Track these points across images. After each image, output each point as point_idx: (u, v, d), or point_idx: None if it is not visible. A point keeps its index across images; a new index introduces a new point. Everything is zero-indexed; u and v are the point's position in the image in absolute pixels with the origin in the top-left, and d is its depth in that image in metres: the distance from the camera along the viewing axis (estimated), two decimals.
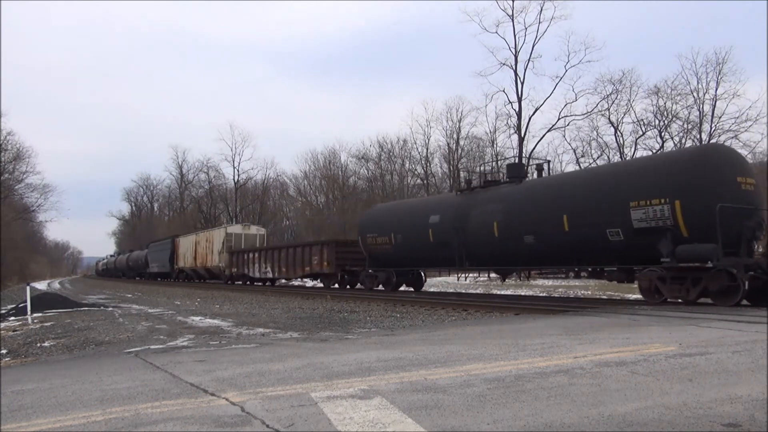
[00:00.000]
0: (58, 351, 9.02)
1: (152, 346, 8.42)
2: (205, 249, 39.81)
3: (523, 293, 20.40)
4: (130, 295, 28.63)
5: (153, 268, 52.70)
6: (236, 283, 34.71)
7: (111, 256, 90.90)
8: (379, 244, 21.22)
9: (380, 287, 22.05)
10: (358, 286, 24.17)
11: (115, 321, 13.34)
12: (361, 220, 23.80)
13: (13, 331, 12.65)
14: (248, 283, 32.95)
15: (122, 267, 69.50)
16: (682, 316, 9.19)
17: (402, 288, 22.96)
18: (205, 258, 39.76)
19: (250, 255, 32.37)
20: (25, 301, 17.04)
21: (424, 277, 23.38)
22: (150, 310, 16.70)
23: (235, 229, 38.60)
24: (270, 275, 30.23)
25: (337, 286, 25.33)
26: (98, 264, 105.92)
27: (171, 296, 25.27)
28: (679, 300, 12.06)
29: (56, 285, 63.29)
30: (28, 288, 18.70)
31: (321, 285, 27.91)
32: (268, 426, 3.48)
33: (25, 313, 15.68)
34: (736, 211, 11.59)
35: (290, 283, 33.26)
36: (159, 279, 52.49)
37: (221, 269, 36.55)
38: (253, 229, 39.09)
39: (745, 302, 11.57)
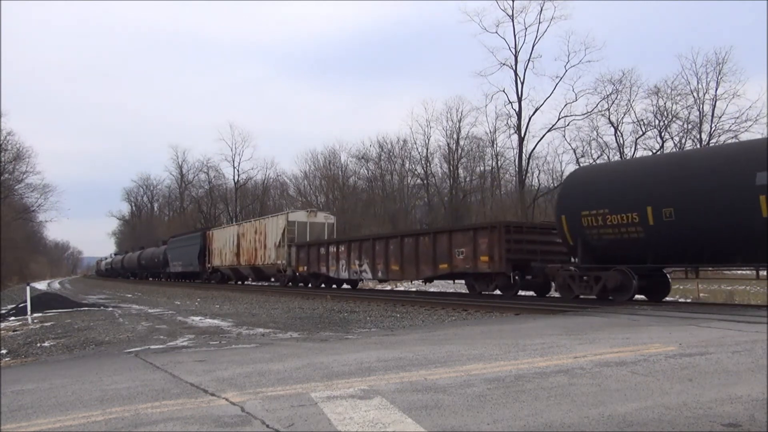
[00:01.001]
0: (58, 351, 9.02)
1: (152, 346, 8.42)
2: (254, 243, 31.53)
3: (523, 293, 20.37)
4: (130, 295, 28.64)
5: (175, 267, 45.48)
6: (307, 285, 26.65)
7: (116, 254, 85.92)
8: (610, 227, 12.89)
9: (589, 296, 13.83)
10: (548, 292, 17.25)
11: (115, 321, 13.34)
12: (564, 191, 15.01)
13: (13, 331, 12.65)
14: (323, 285, 25.13)
15: (132, 266, 62.83)
16: (682, 316, 9.19)
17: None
18: (253, 254, 31.61)
19: (331, 249, 23.98)
20: (25, 301, 17.04)
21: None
22: (150, 310, 16.70)
23: (298, 216, 29.45)
24: (367, 275, 21.84)
25: (497, 292, 17.33)
26: (100, 263, 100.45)
27: (171, 296, 25.28)
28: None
29: (56, 285, 63.29)
30: (28, 288, 18.70)
31: (464, 290, 19.66)
32: (268, 426, 3.48)
33: (25, 313, 15.68)
34: None
35: (396, 287, 26.50)
36: (184, 280, 45.62)
37: (280, 268, 28.51)
38: (320, 217, 29.97)
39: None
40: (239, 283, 36.23)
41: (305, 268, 25.59)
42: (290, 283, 28.33)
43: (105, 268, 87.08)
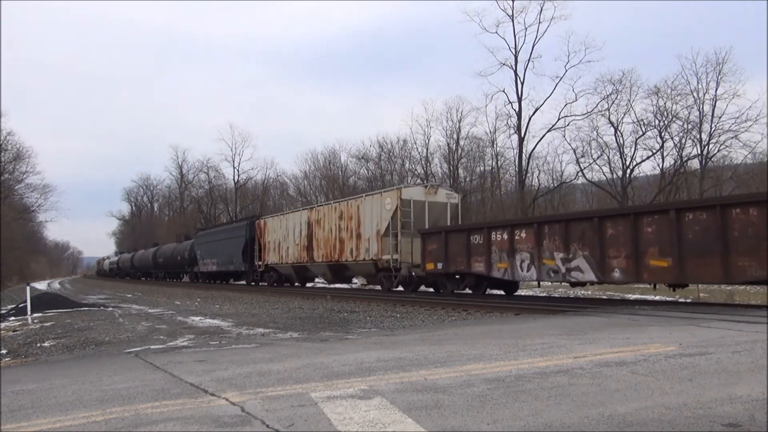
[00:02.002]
0: (58, 351, 9.02)
1: (152, 346, 8.42)
2: (337, 232, 23.34)
3: (523, 293, 20.40)
4: (130, 296, 28.64)
5: (207, 266, 38.05)
6: (438, 291, 19.56)
7: (121, 252, 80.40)
8: None
9: None
10: None
11: (115, 321, 13.34)
12: None
13: (13, 331, 12.65)
14: (467, 290, 17.82)
15: (144, 264, 56.76)
16: (682, 316, 9.19)
17: (400, 288, 20.55)
18: (335, 248, 23.28)
19: (498, 235, 16.06)
20: (25, 301, 17.04)
21: None
22: (150, 310, 16.70)
23: (414, 192, 21.16)
24: (582, 274, 13.62)
25: None
26: (101, 263, 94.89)
27: (171, 296, 25.28)
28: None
29: (56, 285, 63.26)
30: (28, 288, 18.69)
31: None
32: (268, 426, 3.48)
33: (25, 313, 15.68)
34: None
35: (628, 296, 17.80)
36: (219, 282, 38.44)
37: (384, 265, 20.62)
38: (441, 195, 21.71)
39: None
40: (308, 286, 28.64)
41: (441, 265, 17.83)
42: (400, 286, 20.43)
43: (109, 267, 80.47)
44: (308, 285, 29.05)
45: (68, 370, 6.53)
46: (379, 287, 22.48)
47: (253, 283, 31.89)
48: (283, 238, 27.92)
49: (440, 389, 4.28)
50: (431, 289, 20.56)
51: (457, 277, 17.80)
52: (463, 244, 17.11)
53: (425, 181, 30.80)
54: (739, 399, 3.72)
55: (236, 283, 36.63)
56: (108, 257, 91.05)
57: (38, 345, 9.94)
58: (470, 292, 17.66)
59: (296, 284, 28.69)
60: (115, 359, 7.23)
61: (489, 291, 18.21)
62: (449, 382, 4.55)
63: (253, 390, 4.53)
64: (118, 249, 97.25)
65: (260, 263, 30.22)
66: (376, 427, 3.37)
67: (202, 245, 39.21)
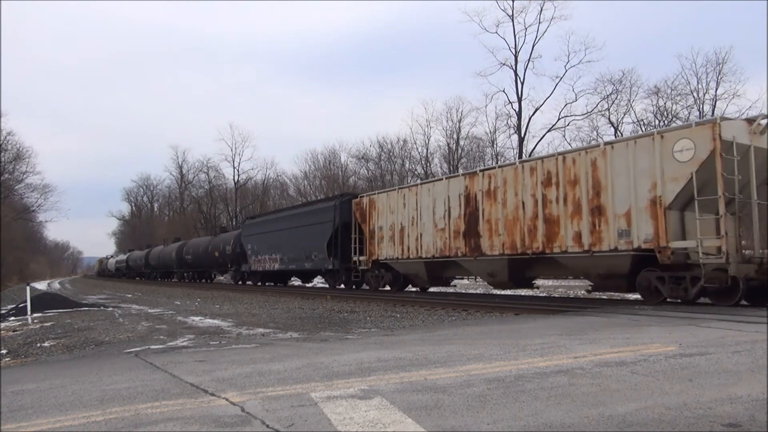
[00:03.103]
0: (58, 351, 9.02)
1: (152, 346, 8.42)
2: (537, 207, 14.82)
3: (523, 293, 20.40)
4: (130, 295, 28.64)
5: (262, 264, 29.68)
6: None
7: (131, 250, 72.01)
8: None
9: None
10: None
11: (115, 321, 13.34)
12: None
13: (13, 331, 12.65)
14: None
15: (164, 263, 49.30)
16: (682, 317, 9.19)
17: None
18: (536, 231, 14.77)
19: None
20: (25, 301, 17.04)
21: None
22: (150, 310, 16.70)
23: (735, 129, 11.54)
24: None
25: None
26: (103, 262, 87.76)
27: (171, 296, 25.28)
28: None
29: (56, 285, 63.26)
30: (28, 288, 18.70)
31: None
32: (268, 426, 3.48)
33: (25, 313, 15.68)
34: None
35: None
36: (280, 285, 30.73)
37: (681, 259, 11.83)
38: None
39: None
40: (449, 291, 21.57)
41: None
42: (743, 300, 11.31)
43: (116, 266, 72.14)
44: (448, 291, 21.80)
45: (68, 370, 6.53)
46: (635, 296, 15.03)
47: (341, 286, 24.28)
48: (408, 221, 19.52)
49: (440, 389, 4.28)
50: None
51: None
52: None
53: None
54: (739, 399, 3.72)
55: (315, 285, 30.00)
56: (113, 255, 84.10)
57: (38, 345, 9.94)
58: None
59: (428, 288, 20.98)
60: (115, 359, 7.23)
61: None
62: (449, 382, 4.55)
63: (253, 390, 4.53)
64: (118, 249, 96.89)
65: (362, 258, 21.83)
66: (376, 427, 3.37)
67: (254, 237, 30.39)
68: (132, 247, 79.06)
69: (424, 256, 18.79)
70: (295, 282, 32.80)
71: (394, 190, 20.86)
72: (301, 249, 25.76)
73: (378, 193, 21.82)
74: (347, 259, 22.68)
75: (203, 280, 43.23)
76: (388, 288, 21.25)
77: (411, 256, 19.35)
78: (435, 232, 18.37)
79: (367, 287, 22.12)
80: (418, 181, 22.39)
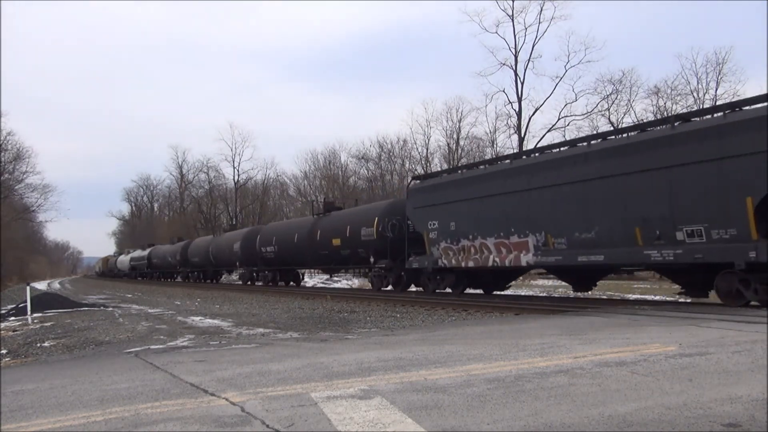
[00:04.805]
0: (58, 351, 9.02)
1: (152, 346, 8.42)
2: None
3: (523, 293, 20.40)
4: (130, 295, 28.64)
5: (465, 256, 16.25)
6: None
7: (151, 245, 60.06)
8: None
9: None
10: None
11: (115, 321, 13.34)
12: None
13: (13, 331, 12.65)
14: None
15: (218, 258, 36.37)
16: (682, 316, 9.19)
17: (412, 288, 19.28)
18: None
19: None
20: (25, 301, 17.04)
21: None
22: (150, 310, 16.70)
23: None
24: None
25: None
26: (110, 261, 79.27)
27: (171, 296, 25.28)
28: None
29: (56, 285, 63.28)
30: (28, 288, 18.71)
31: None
32: (268, 426, 3.48)
33: (25, 313, 15.69)
34: None
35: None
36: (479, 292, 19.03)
37: None
38: None
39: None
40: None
41: None
42: None
43: (131, 264, 61.15)
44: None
45: (68, 370, 6.53)
46: None
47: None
48: None
49: (440, 389, 4.28)
50: None
51: None
52: None
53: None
54: (739, 399, 3.72)
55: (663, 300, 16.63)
56: (123, 252, 71.75)
57: (38, 345, 9.94)
58: None
59: None
60: (115, 359, 7.23)
61: None
62: (449, 382, 4.55)
63: (253, 390, 4.53)
64: (119, 249, 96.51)
65: None
66: (376, 427, 3.37)
67: (447, 208, 17.01)
68: (131, 246, 78.40)
69: None
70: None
71: None
72: (629, 221, 12.13)
73: None
74: None
75: (283, 284, 30.09)
76: None
77: None
78: None
79: None
80: None
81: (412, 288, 20.36)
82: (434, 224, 17.48)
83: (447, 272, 17.70)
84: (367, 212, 21.65)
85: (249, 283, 32.73)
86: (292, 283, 30.67)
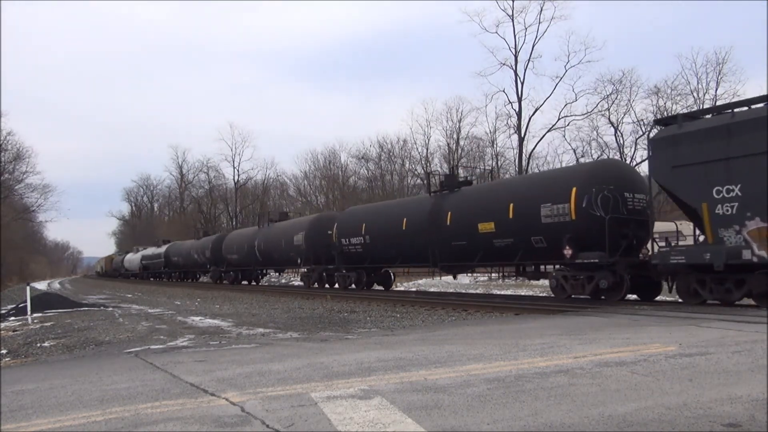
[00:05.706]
0: (58, 351, 9.02)
1: (152, 346, 8.42)
2: None
3: (523, 293, 20.40)
4: (130, 295, 28.64)
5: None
6: None
7: (166, 242, 52.20)
8: None
9: None
10: None
11: (115, 321, 13.34)
12: None
13: (13, 331, 12.65)
14: None
15: (267, 254, 29.26)
16: (682, 316, 9.19)
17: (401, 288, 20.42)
18: None
19: None
20: (25, 301, 17.04)
21: None
22: (150, 310, 16.70)
23: None
24: None
25: None
26: (114, 260, 74.19)
27: (171, 296, 25.27)
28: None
29: (56, 285, 63.26)
30: (28, 288, 18.70)
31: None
32: (268, 426, 3.48)
33: (25, 313, 15.68)
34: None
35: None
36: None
37: None
38: None
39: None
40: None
41: None
42: None
43: (143, 263, 54.58)
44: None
45: (68, 370, 6.53)
46: None
47: None
48: None
49: (440, 389, 4.28)
50: None
51: None
52: None
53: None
54: (739, 399, 3.72)
55: None
56: (133, 250, 63.76)
57: (38, 345, 9.94)
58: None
59: None
60: (115, 359, 7.23)
61: None
62: (449, 382, 4.54)
63: (253, 390, 4.53)
64: (119, 249, 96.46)
65: None
66: (376, 427, 3.37)
67: (759, 162, 10.13)
68: (131, 247, 77.90)
69: None
70: None
71: None
72: None
73: None
74: None
75: (368, 288, 23.06)
76: None
77: None
78: None
79: None
80: None
81: (630, 296, 13.90)
82: (730, 190, 10.66)
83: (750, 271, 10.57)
84: (556, 180, 14.91)
85: (316, 285, 25.04)
86: (377, 286, 23.28)
